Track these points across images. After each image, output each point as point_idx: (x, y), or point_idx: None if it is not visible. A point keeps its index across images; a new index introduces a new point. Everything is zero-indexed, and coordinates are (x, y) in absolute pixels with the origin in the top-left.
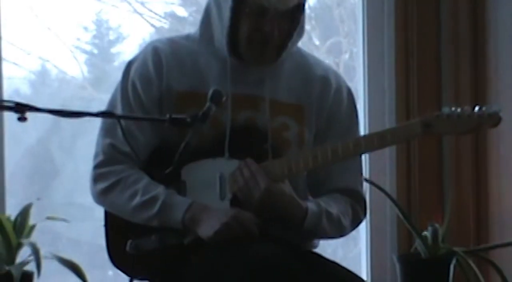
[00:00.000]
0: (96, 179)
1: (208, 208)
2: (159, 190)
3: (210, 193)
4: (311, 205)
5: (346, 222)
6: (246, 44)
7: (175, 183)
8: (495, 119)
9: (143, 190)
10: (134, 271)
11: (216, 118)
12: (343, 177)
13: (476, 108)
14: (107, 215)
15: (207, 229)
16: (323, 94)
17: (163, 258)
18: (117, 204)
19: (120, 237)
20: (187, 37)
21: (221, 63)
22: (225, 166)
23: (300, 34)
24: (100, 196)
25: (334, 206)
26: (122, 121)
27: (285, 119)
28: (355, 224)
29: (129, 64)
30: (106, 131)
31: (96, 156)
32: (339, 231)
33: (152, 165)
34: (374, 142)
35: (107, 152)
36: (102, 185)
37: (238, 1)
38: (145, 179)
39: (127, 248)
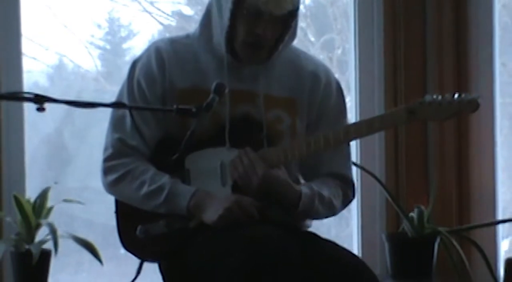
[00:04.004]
0: (106, 171)
1: (211, 194)
2: (165, 180)
3: (212, 180)
4: (304, 189)
5: (337, 203)
6: (241, 46)
7: (179, 171)
8: (473, 106)
9: (150, 180)
10: (144, 254)
11: (215, 112)
12: (333, 162)
13: (456, 95)
14: (117, 202)
15: (211, 214)
16: (314, 89)
17: (171, 241)
18: (126, 194)
19: (130, 223)
20: (187, 36)
21: (219, 61)
22: (225, 154)
23: (292, 38)
24: (111, 187)
25: (326, 189)
26: (129, 117)
27: (278, 112)
28: (345, 204)
29: (134, 63)
30: (114, 127)
31: (105, 149)
32: (330, 211)
33: (158, 154)
34: (363, 129)
35: (116, 145)
36: (112, 177)
37: (237, 4)
38: (152, 170)
39: (137, 232)
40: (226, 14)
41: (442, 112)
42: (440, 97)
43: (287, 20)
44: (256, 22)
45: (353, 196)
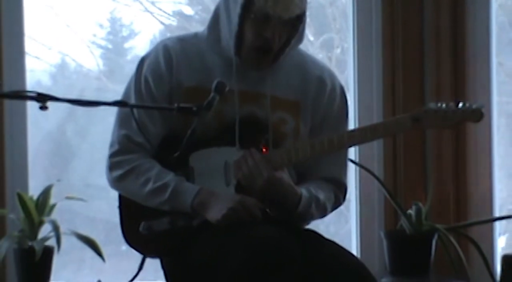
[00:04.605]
0: (111, 167)
1: (215, 193)
2: (170, 177)
3: (216, 179)
4: (304, 192)
5: (329, 206)
6: (249, 50)
7: (184, 168)
8: (478, 115)
9: (155, 177)
10: (147, 250)
11: (220, 112)
12: (331, 167)
13: (460, 104)
14: (121, 198)
15: (215, 213)
16: (319, 94)
17: (174, 238)
18: (131, 190)
19: (133, 219)
20: (195, 36)
21: (226, 62)
22: (230, 154)
23: (299, 41)
24: (116, 183)
25: (321, 193)
26: (135, 113)
27: (283, 114)
28: (335, 207)
29: (142, 60)
30: (121, 123)
31: (111, 145)
32: (322, 214)
33: (161, 152)
34: (367, 134)
35: (122, 142)
36: (117, 173)
37: (245, 8)
38: (157, 167)
39: (140, 229)
40: (235, 19)
41: (446, 121)
42: (444, 105)
43: (295, 24)
44: (265, 25)
45: (344, 201)
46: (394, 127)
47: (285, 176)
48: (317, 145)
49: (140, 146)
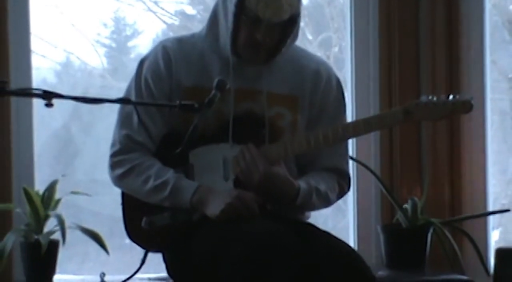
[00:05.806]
0: (113, 166)
1: (213, 189)
2: (169, 175)
3: (215, 175)
4: (302, 184)
5: (332, 196)
6: (242, 47)
7: (184, 166)
8: (467, 107)
9: (155, 175)
10: (149, 244)
11: (218, 110)
12: (332, 157)
13: (451, 96)
14: (123, 194)
15: (213, 209)
16: (315, 86)
17: (175, 232)
18: (132, 188)
19: (135, 214)
20: (193, 36)
21: (223, 60)
22: (228, 150)
23: (294, 39)
24: (118, 181)
25: (323, 183)
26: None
27: (280, 109)
28: (340, 196)
29: (141, 62)
30: (122, 123)
31: (112, 145)
32: (326, 204)
33: (162, 149)
34: (361, 127)
35: (123, 141)
36: (118, 171)
37: (239, 9)
38: (157, 165)
39: (142, 224)
40: (230, 17)
41: (437, 112)
42: (435, 98)
43: (287, 26)
44: (256, 27)
45: (348, 189)
46: (387, 120)
47: (281, 170)
48: (312, 139)
49: (140, 145)
